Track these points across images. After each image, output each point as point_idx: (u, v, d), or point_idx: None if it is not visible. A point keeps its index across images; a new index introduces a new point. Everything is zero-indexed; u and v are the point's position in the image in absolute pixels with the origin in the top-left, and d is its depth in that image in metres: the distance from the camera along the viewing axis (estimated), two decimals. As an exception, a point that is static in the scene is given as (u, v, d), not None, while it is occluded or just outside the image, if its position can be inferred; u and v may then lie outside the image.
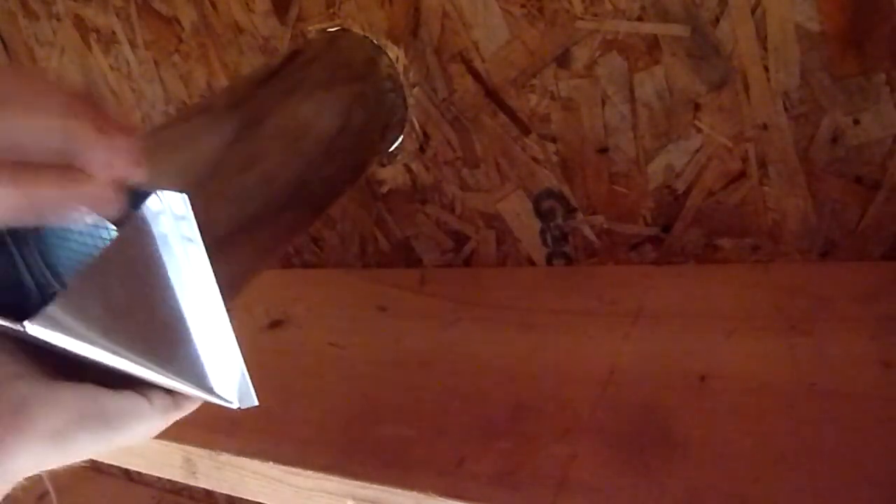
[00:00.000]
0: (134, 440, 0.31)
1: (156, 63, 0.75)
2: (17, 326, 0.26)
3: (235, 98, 0.49)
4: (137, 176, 0.28)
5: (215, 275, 0.30)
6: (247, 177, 0.45)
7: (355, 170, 0.58)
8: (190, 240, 0.29)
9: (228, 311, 0.31)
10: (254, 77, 0.53)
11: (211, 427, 0.53)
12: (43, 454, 0.28)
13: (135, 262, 0.29)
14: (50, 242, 0.33)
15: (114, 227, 0.29)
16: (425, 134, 0.61)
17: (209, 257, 0.30)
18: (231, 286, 0.44)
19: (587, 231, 0.59)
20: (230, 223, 0.43)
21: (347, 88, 0.55)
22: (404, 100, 0.60)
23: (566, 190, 0.58)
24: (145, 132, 0.48)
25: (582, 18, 0.50)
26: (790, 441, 0.39)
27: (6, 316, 0.27)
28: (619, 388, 0.46)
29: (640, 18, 0.49)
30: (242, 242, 0.44)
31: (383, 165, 0.65)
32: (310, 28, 0.63)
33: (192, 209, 0.29)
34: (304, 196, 0.50)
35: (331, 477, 0.46)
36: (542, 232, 0.61)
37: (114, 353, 0.28)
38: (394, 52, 0.59)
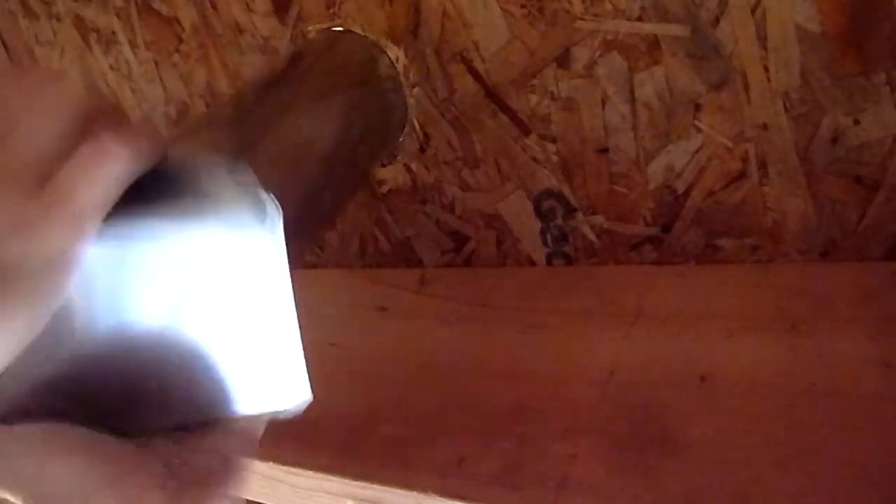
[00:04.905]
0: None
1: (156, 63, 0.75)
2: None
3: (238, 113, 0.48)
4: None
5: None
6: None
7: (364, 176, 0.58)
8: None
9: None
10: (255, 86, 0.52)
11: (211, 427, 0.53)
12: None
13: None
14: None
15: None
16: (425, 134, 0.61)
17: None
18: None
19: (587, 231, 0.59)
20: None
21: (345, 96, 0.54)
22: (404, 100, 0.60)
23: (566, 190, 0.58)
24: None
25: (582, 18, 0.50)
26: (790, 441, 0.39)
27: None
28: (619, 388, 0.46)
29: (640, 18, 0.49)
30: None
31: (383, 165, 0.65)
32: (310, 28, 0.63)
33: None
34: (306, 214, 0.50)
35: (331, 477, 0.46)
36: (542, 232, 0.61)
37: None
38: (394, 52, 0.59)
